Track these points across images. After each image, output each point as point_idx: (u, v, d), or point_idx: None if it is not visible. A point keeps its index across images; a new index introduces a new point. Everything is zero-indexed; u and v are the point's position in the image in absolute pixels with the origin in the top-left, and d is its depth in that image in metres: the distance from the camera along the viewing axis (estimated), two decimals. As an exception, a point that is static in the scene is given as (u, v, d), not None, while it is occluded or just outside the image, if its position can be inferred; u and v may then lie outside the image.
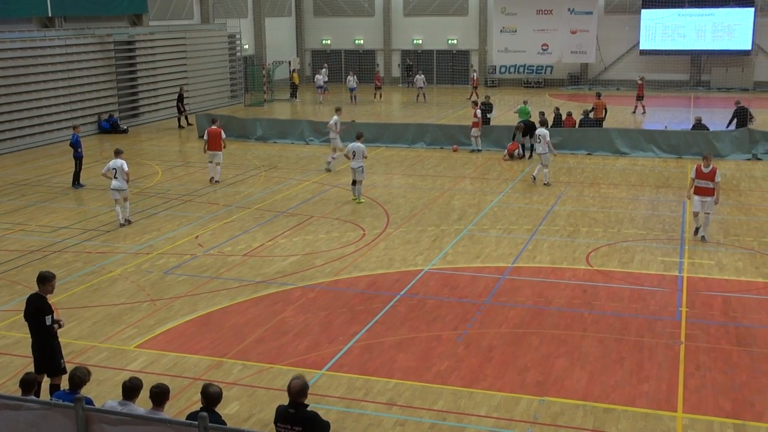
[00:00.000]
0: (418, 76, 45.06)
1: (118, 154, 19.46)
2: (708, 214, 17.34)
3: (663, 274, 15.39)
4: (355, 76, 43.94)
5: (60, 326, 10.31)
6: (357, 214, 20.02)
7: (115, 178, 18.89)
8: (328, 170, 25.23)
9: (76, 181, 23.41)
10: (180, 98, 35.77)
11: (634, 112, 37.93)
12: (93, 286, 15.00)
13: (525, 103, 31.02)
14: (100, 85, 34.61)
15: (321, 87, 44.06)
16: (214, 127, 23.76)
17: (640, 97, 38.06)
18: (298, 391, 7.48)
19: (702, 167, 17.37)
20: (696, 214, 17.55)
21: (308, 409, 7.53)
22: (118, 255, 16.93)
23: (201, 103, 40.36)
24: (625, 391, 10.81)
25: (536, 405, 10.43)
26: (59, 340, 10.32)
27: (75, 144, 23.16)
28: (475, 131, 28.14)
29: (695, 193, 17.38)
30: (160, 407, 7.92)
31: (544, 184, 22.98)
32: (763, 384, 10.98)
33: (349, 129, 30.49)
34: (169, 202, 21.55)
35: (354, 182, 21.17)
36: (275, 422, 7.63)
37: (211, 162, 23.81)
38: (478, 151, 28.15)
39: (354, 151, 20.85)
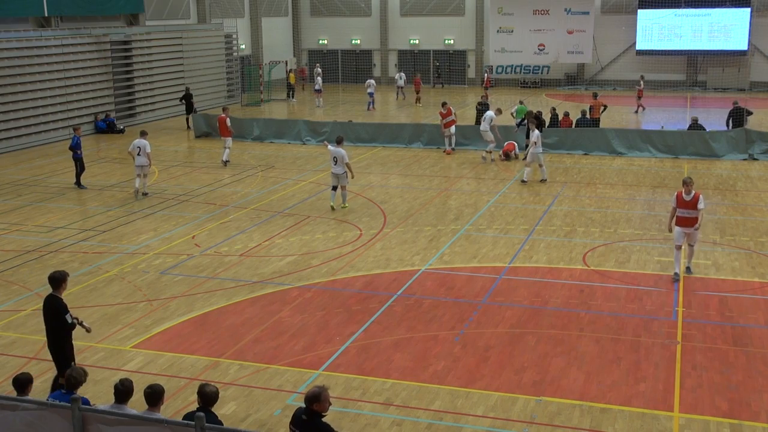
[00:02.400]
0: (400, 73, 45.02)
1: (143, 135, 22.36)
2: (692, 246, 15.25)
3: (659, 273, 15.40)
4: (373, 81, 42.26)
5: (84, 327, 10.29)
6: (354, 214, 20.01)
7: (138, 155, 21.67)
8: (485, 159, 26.64)
9: (77, 183, 23.32)
10: (186, 97, 35.65)
11: (636, 112, 38.20)
12: (89, 286, 14.98)
13: (521, 102, 31.08)
14: (96, 85, 34.58)
15: (319, 90, 43.07)
16: (222, 114, 26.79)
17: (639, 97, 38.76)
18: (309, 398, 7.43)
19: (683, 194, 14.94)
20: (679, 248, 15.11)
21: (323, 419, 7.49)
22: (115, 255, 16.91)
23: (198, 103, 40.17)
24: (621, 390, 10.83)
25: (533, 405, 10.44)
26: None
27: (75, 146, 23.02)
28: (447, 131, 28.38)
29: (677, 224, 15.08)
30: (156, 408, 7.91)
31: (524, 180, 23.40)
32: (759, 384, 11.00)
33: (346, 128, 30.68)
34: (165, 202, 21.52)
35: (334, 188, 20.38)
36: (290, 423, 7.63)
37: (224, 147, 26.57)
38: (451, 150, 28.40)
39: (335, 157, 19.95)
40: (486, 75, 45.93)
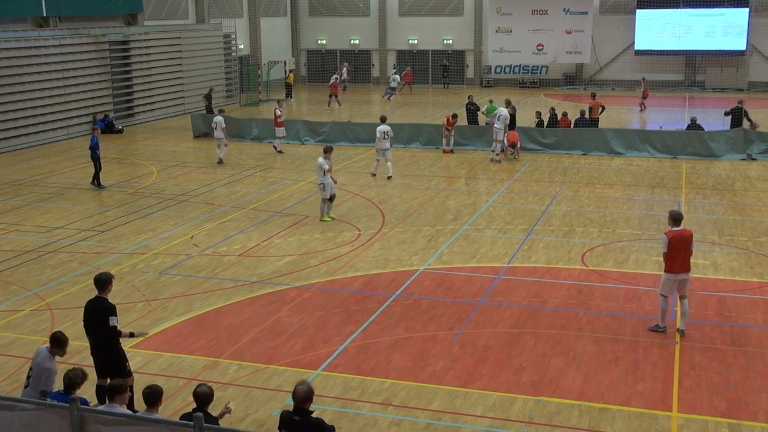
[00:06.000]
0: (395, 75, 45.46)
1: (221, 112, 27.53)
2: (662, 296, 12.62)
3: (658, 273, 15.31)
4: (398, 77, 44.91)
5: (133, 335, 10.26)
6: (352, 214, 20.00)
7: (215, 129, 26.55)
8: (493, 161, 26.73)
9: (97, 183, 23.19)
10: (208, 96, 36.44)
11: (641, 110, 38.90)
12: (88, 287, 14.90)
13: (491, 102, 30.97)
14: (95, 85, 34.54)
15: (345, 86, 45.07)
16: (276, 107, 29.65)
17: (644, 96, 39.44)
18: (304, 397, 7.40)
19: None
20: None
21: (313, 415, 7.48)
22: (114, 255, 16.91)
23: (196, 103, 40.26)
24: (620, 390, 10.83)
25: (532, 405, 10.44)
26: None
27: (94, 146, 22.92)
28: (446, 132, 28.67)
29: None
30: (154, 408, 7.90)
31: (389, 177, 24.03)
32: (757, 384, 11.01)
33: (345, 128, 30.70)
34: (164, 202, 21.52)
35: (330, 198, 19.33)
36: (279, 428, 7.58)
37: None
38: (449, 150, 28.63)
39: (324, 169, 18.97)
40: (408, 69, 48.37)
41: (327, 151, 19.41)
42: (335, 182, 19.59)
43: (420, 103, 43.54)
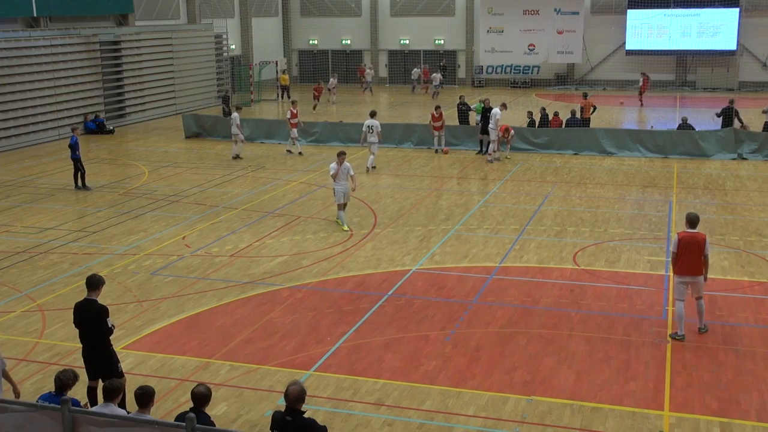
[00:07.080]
0: (435, 74, 45.90)
1: (238, 109, 28.43)
2: (677, 301, 12.62)
3: (649, 273, 15.45)
4: (417, 69, 48.09)
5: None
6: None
7: (232, 126, 27.42)
8: (490, 161, 26.89)
9: (81, 184, 22.94)
10: (225, 100, 36.96)
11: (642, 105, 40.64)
12: (79, 288, 14.86)
13: (481, 101, 31.06)
14: (86, 85, 34.46)
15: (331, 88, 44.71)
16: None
17: (641, 92, 41.06)
18: (297, 397, 7.39)
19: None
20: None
21: (305, 415, 7.47)
22: (105, 256, 16.86)
23: (188, 103, 40.27)
24: (612, 390, 10.86)
25: (524, 404, 10.46)
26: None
27: (73, 145, 22.69)
28: (436, 132, 28.64)
29: None
30: (146, 409, 7.88)
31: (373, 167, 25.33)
32: (748, 382, 11.05)
33: (337, 129, 30.69)
34: (156, 202, 21.47)
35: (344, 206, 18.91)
36: (272, 429, 7.57)
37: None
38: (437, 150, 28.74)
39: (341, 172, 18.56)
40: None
41: (338, 156, 18.57)
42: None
43: (412, 102, 43.58)
